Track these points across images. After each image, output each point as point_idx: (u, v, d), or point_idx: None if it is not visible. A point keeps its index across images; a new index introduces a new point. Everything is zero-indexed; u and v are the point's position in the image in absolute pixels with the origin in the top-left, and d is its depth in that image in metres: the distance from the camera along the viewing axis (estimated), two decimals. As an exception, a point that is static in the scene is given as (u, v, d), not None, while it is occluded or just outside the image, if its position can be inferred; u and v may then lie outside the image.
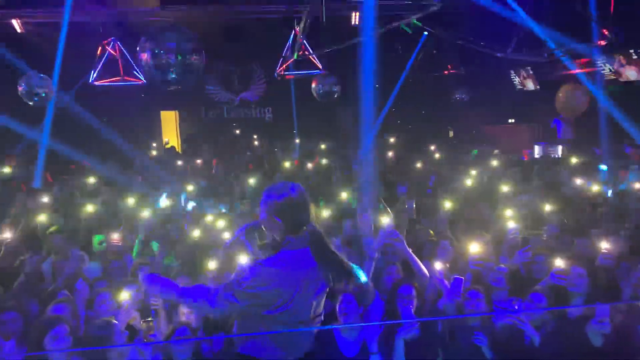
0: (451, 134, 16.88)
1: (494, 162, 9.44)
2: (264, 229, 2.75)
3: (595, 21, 8.16)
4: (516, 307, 3.81)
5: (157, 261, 5.09)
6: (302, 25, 10.37)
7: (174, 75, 9.48)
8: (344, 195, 7.08)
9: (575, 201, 6.87)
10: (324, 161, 10.38)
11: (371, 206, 5.94)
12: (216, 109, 16.61)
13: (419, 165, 9.63)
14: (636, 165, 8.59)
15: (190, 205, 7.11)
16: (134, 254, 5.42)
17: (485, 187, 7.80)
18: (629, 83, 11.00)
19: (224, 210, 6.98)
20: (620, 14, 8.46)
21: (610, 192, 7.22)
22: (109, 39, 11.36)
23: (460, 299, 3.85)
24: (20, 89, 8.62)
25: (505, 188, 7.18)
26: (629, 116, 9.56)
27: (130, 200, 6.93)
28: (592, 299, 3.93)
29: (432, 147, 11.89)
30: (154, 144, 14.50)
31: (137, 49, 9.98)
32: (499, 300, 3.94)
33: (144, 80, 11.03)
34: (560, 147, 12.20)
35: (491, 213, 6.28)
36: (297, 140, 13.56)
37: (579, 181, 7.66)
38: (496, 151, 9.28)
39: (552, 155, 11.94)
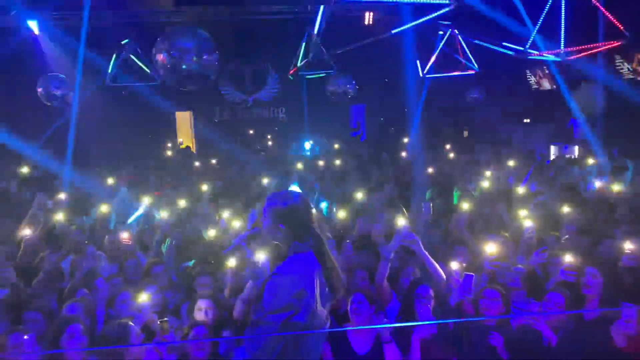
0: (466, 133, 16.77)
1: (510, 163, 9.36)
2: (266, 235, 2.79)
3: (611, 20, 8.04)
4: (539, 309, 3.77)
5: (170, 260, 5.13)
6: (316, 25, 10.38)
7: (188, 76, 9.54)
8: (359, 195, 7.07)
9: (594, 202, 6.78)
10: (338, 162, 10.38)
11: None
12: (229, 109, 16.70)
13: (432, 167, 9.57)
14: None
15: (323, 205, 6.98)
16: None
17: (502, 187, 7.74)
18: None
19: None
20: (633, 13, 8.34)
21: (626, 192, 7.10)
22: (125, 40, 11.47)
23: (472, 296, 3.83)
24: (39, 90, 8.75)
25: (521, 189, 7.11)
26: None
27: (146, 200, 6.98)
28: (616, 299, 3.88)
29: (447, 146, 11.82)
30: (169, 144, 14.63)
31: (153, 50, 10.06)
32: (517, 302, 3.91)
33: (159, 81, 11.11)
34: (576, 148, 12.06)
35: (508, 213, 6.23)
36: (311, 141, 13.57)
37: (597, 182, 7.56)
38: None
39: (569, 156, 11.81)
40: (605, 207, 6.51)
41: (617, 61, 10.99)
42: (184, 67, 9.10)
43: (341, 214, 6.15)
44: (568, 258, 4.18)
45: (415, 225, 5.46)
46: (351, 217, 6.23)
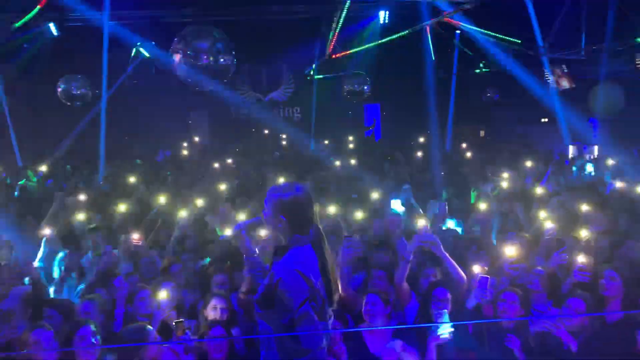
0: (482, 133, 16.63)
1: (528, 163, 9.24)
2: (266, 226, 2.81)
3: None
4: (560, 313, 3.72)
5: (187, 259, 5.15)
6: (333, 25, 10.37)
7: (205, 76, 9.60)
8: (375, 195, 7.04)
9: (615, 202, 6.67)
10: (353, 161, 10.35)
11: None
12: (245, 109, 16.75)
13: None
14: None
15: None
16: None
17: (520, 187, 7.65)
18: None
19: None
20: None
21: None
22: (142, 41, 11.59)
23: (488, 298, 3.79)
24: (59, 90, 8.85)
25: (539, 190, 7.02)
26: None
27: (162, 199, 7.03)
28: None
29: (464, 145, 11.72)
30: (185, 144, 14.71)
31: (170, 50, 10.15)
32: (537, 304, 3.85)
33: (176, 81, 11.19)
34: (596, 148, 11.87)
35: (526, 214, 6.15)
36: (326, 141, 13.56)
37: (618, 182, 7.43)
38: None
39: (588, 156, 11.63)
40: (626, 208, 6.41)
41: (637, 60, 10.80)
42: (200, 66, 9.16)
43: (358, 214, 6.12)
44: (581, 258, 4.11)
45: (431, 225, 5.43)
46: (369, 217, 6.20)
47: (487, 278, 3.78)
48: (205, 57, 9.33)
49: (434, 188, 8.05)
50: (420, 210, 6.52)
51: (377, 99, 15.55)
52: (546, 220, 5.17)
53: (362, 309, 3.71)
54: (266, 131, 16.35)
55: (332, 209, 6.00)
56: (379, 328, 3.65)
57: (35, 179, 9.48)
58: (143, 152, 12.52)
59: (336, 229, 5.47)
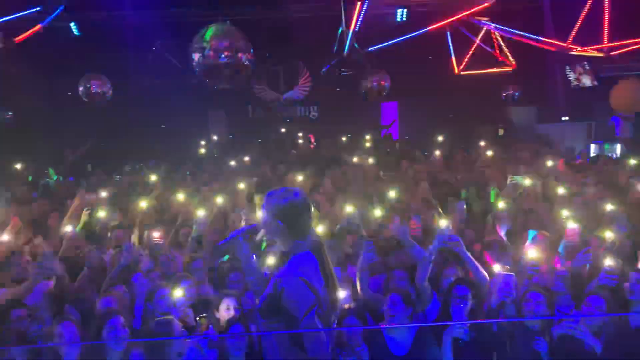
0: (501, 132, 16.41)
1: (549, 162, 9.10)
2: (263, 232, 2.77)
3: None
4: (580, 312, 3.66)
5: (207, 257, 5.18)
6: (351, 22, 10.33)
7: (223, 75, 9.63)
8: (392, 194, 6.99)
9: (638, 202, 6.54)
10: (370, 160, 10.29)
11: None
12: (262, 107, 16.80)
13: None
14: None
15: None
16: None
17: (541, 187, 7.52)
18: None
19: None
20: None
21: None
22: (160, 40, 11.68)
23: (514, 297, 3.73)
24: (80, 89, 8.97)
25: (561, 189, 6.91)
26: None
27: (180, 197, 7.08)
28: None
29: (482, 144, 11.57)
30: (203, 142, 14.79)
31: (188, 49, 10.20)
32: (561, 306, 3.79)
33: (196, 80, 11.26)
34: (618, 146, 11.67)
35: (548, 214, 6.06)
36: (344, 139, 13.52)
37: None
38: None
39: (610, 155, 11.44)
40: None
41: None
42: (219, 65, 9.19)
43: (377, 212, 6.09)
44: (609, 261, 4.02)
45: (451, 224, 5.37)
46: (386, 216, 6.16)
47: (512, 276, 3.73)
48: (224, 55, 9.35)
49: (453, 187, 7.97)
50: (440, 209, 6.47)
51: (395, 97, 15.44)
52: (570, 220, 5.08)
53: (383, 309, 3.69)
54: (283, 130, 16.37)
55: (349, 208, 5.97)
56: (399, 326, 3.62)
57: (55, 177, 9.64)
58: (163, 151, 12.62)
59: (354, 227, 5.44)
